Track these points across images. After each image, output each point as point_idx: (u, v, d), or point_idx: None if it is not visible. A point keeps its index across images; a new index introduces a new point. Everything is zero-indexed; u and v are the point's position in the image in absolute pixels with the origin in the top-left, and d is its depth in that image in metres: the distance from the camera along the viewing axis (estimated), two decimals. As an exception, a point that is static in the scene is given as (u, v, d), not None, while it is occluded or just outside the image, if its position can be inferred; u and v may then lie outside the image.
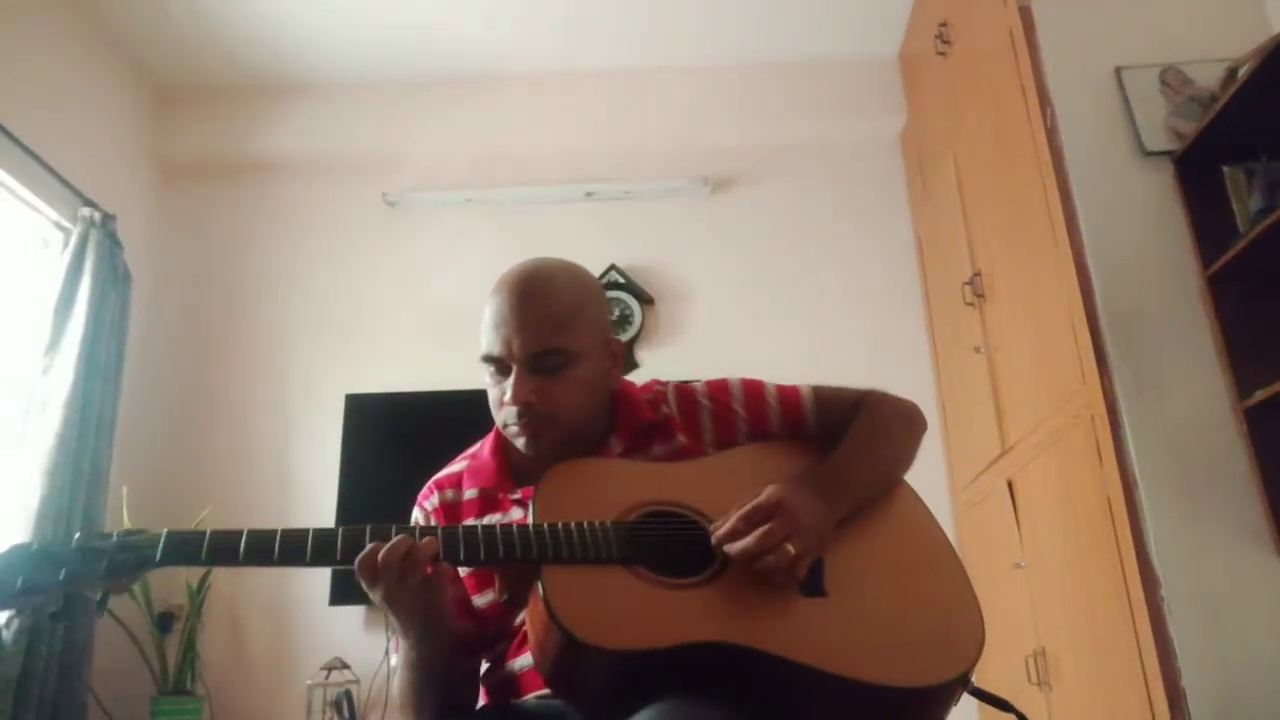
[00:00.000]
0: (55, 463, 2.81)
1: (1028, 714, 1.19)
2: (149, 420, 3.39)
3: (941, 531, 1.24)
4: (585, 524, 1.08)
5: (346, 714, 2.91)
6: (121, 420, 3.16)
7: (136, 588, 2.96)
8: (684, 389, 1.33)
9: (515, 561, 1.06)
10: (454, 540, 1.07)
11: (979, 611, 1.13)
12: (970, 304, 2.89)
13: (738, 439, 1.29)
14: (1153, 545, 1.94)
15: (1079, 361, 2.17)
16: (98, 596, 1.03)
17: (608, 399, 1.28)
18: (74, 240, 3.09)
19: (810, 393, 1.33)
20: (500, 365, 1.20)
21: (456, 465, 1.33)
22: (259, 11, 3.39)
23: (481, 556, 1.06)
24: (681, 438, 1.28)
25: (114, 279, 3.19)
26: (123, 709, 2.94)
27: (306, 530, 1.05)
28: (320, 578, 3.15)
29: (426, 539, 1.04)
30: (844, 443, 1.26)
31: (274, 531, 1.04)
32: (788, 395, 1.33)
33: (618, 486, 1.16)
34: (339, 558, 1.04)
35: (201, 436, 3.45)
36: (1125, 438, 2.03)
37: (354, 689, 2.96)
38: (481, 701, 1.24)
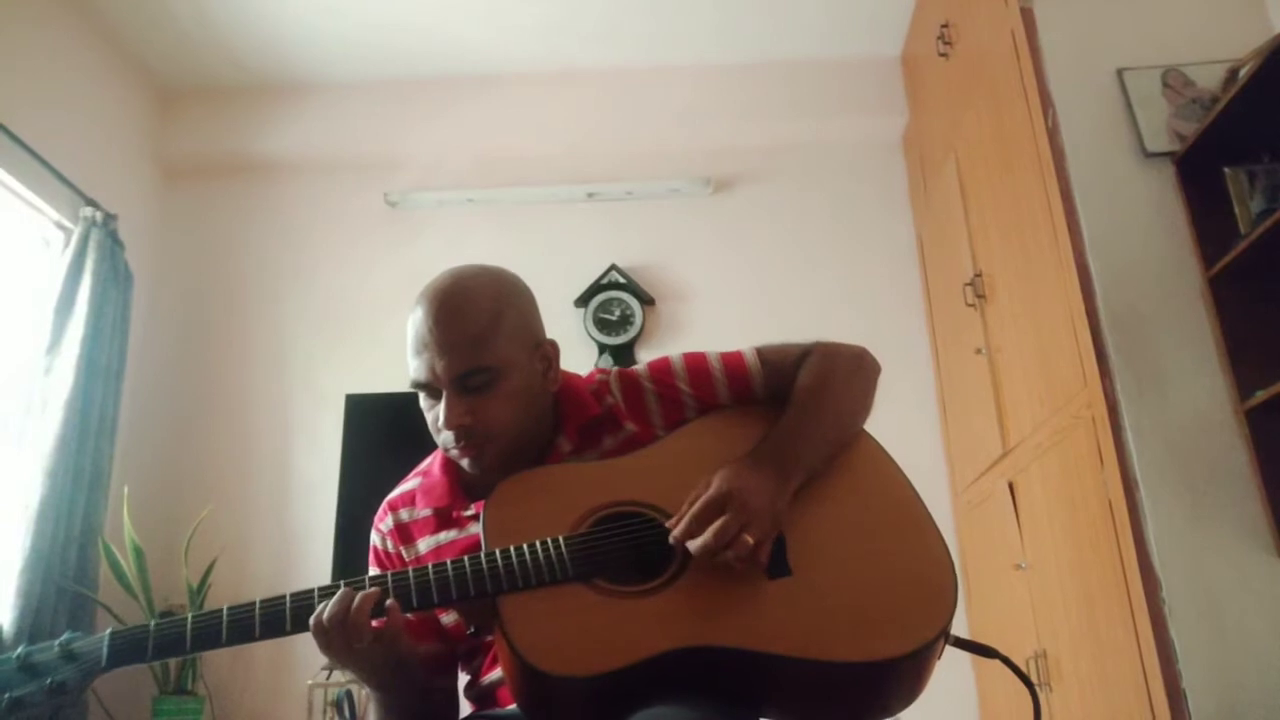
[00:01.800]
0: (55, 463, 2.81)
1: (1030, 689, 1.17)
2: (150, 420, 3.40)
3: (904, 481, 1.21)
4: (538, 545, 1.05)
5: (347, 714, 2.91)
6: (122, 420, 3.16)
7: (137, 587, 2.97)
8: (627, 375, 1.29)
9: (470, 600, 1.04)
10: (405, 588, 1.04)
11: (949, 561, 1.11)
12: (971, 305, 2.89)
13: (686, 415, 1.25)
14: (1153, 546, 1.94)
15: (1080, 363, 2.17)
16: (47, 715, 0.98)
17: (549, 401, 1.24)
18: (75, 240, 3.09)
19: (754, 356, 1.29)
20: (429, 390, 1.17)
21: (409, 483, 1.30)
22: (261, 12, 3.39)
23: (435, 600, 1.04)
24: (630, 425, 1.24)
25: (115, 279, 3.19)
26: (124, 708, 2.94)
27: (253, 604, 1.01)
28: (322, 575, 3.15)
29: (363, 593, 1.01)
30: (791, 407, 1.21)
31: (219, 612, 1.01)
32: (732, 363, 1.28)
33: (568, 494, 1.14)
34: (289, 627, 1.01)
35: (202, 437, 3.46)
36: (1126, 439, 2.03)
37: (355, 689, 2.96)
38: (467, 710, 1.24)
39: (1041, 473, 2.44)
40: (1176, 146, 2.23)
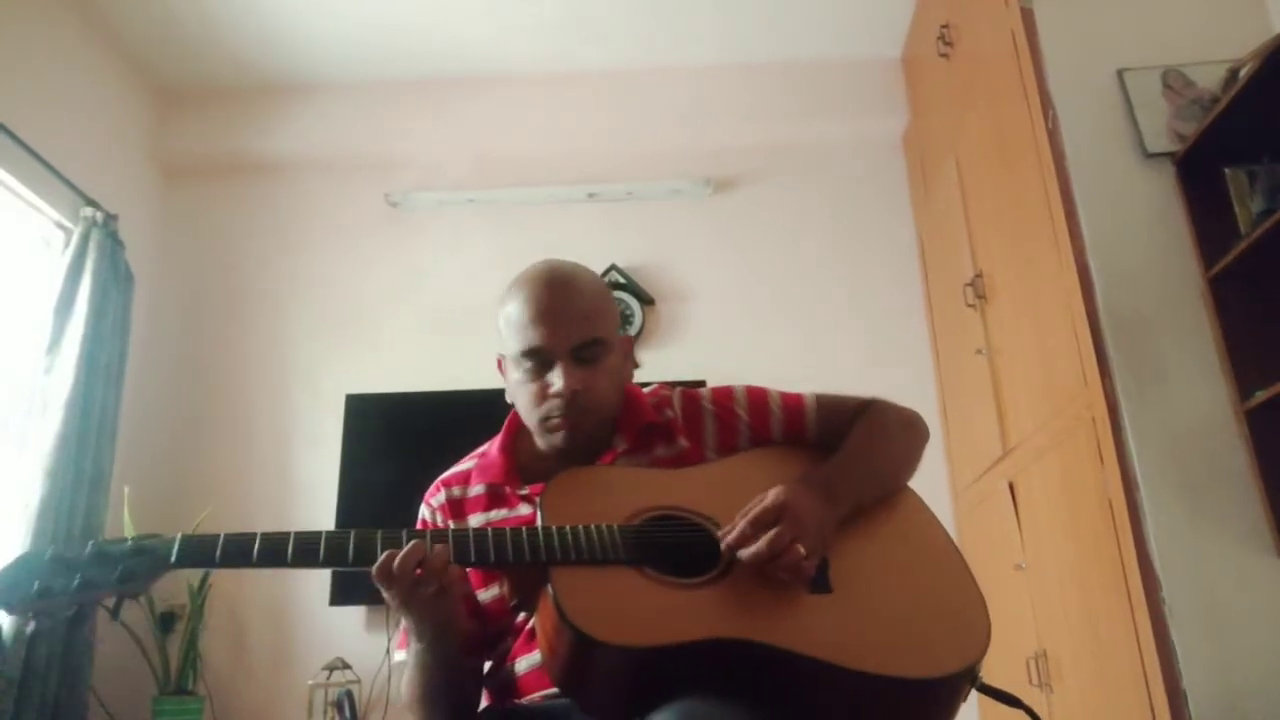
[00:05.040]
0: (56, 463, 2.81)
1: (1037, 712, 1.19)
2: (150, 420, 3.39)
3: (946, 534, 1.25)
4: (593, 527, 1.09)
5: (348, 714, 2.91)
6: (123, 420, 3.16)
7: (138, 587, 2.96)
8: (689, 394, 1.35)
9: (524, 564, 1.07)
10: (464, 542, 1.08)
11: (984, 607, 1.14)
12: (972, 305, 2.89)
13: (739, 444, 1.31)
14: (1154, 547, 1.94)
15: (1080, 363, 2.17)
16: (111, 603, 1.03)
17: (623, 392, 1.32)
18: (75, 240, 3.09)
19: (813, 400, 1.35)
20: (543, 359, 1.22)
21: (465, 464, 1.35)
22: (261, 12, 3.39)
23: (491, 558, 1.08)
24: (683, 441, 1.29)
25: (115, 279, 3.19)
26: (124, 709, 2.94)
27: (319, 533, 1.06)
28: (321, 578, 3.15)
29: (439, 547, 1.05)
30: (845, 446, 1.28)
31: (287, 534, 1.05)
32: (791, 403, 1.35)
33: (622, 492, 1.18)
34: (350, 561, 1.05)
35: (203, 437, 3.46)
36: (1126, 439, 2.02)
37: (355, 689, 2.96)
38: (484, 703, 1.25)
39: (1042, 473, 2.44)
40: (1177, 147, 2.23)
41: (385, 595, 1.05)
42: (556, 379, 1.20)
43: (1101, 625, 2.11)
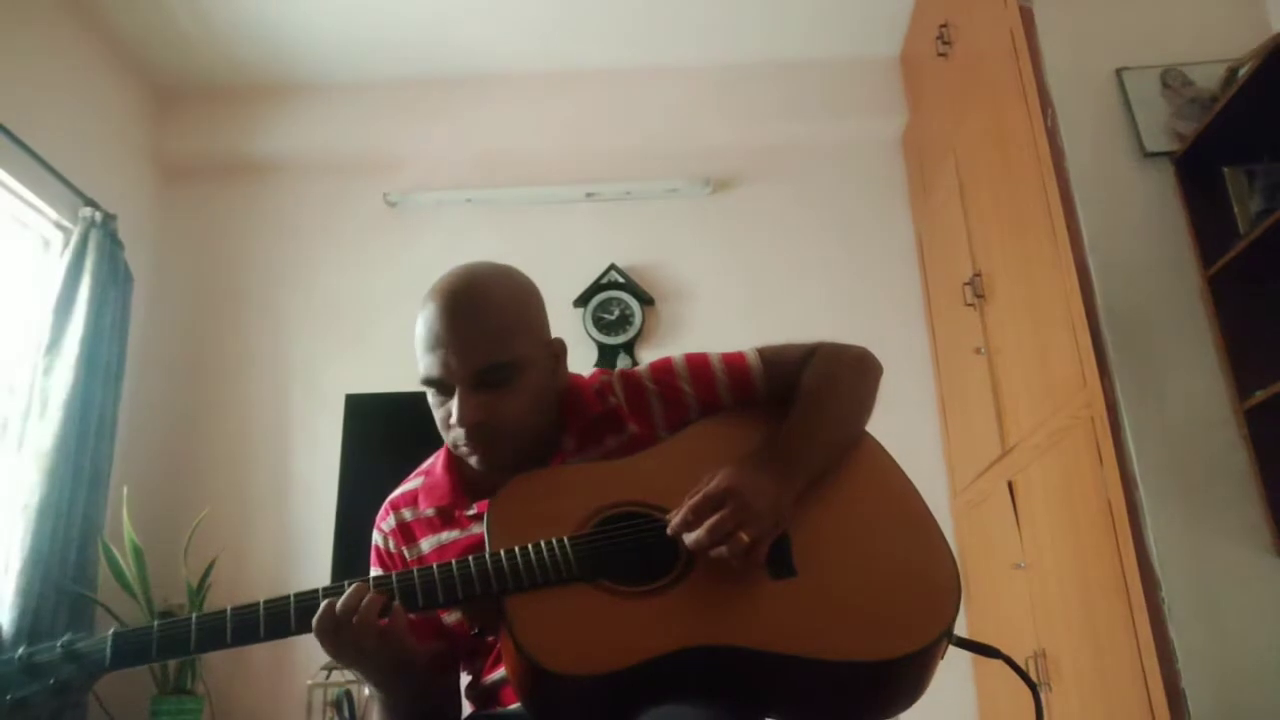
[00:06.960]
0: (55, 463, 2.81)
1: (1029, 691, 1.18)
2: (149, 420, 3.40)
3: (906, 481, 1.21)
4: (543, 545, 1.05)
5: (347, 714, 2.91)
6: (122, 420, 3.16)
7: (137, 587, 2.97)
8: (629, 375, 1.29)
9: (476, 600, 1.03)
10: (410, 587, 1.04)
11: (952, 562, 1.11)
12: (971, 305, 2.89)
13: (689, 418, 1.25)
14: (1153, 546, 1.94)
15: (1079, 362, 2.17)
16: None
17: (556, 399, 1.24)
18: (75, 240, 3.09)
19: (756, 357, 1.29)
20: (441, 387, 1.16)
21: (411, 483, 1.29)
22: (260, 12, 3.39)
23: (440, 600, 1.04)
24: (633, 426, 1.24)
25: (115, 279, 3.19)
26: (123, 708, 2.93)
27: (256, 604, 1.01)
28: (321, 575, 3.15)
29: (370, 596, 1.01)
30: (795, 408, 1.21)
31: (223, 612, 1.00)
32: (734, 364, 1.28)
33: (572, 495, 1.13)
34: (294, 627, 1.00)
35: (202, 437, 3.46)
36: (1125, 439, 2.03)
37: (354, 689, 2.96)
38: (467, 710, 1.24)
39: (1041, 472, 2.45)
40: (1176, 146, 2.23)
41: (334, 659, 1.01)
42: (454, 409, 1.13)
43: (1101, 624, 2.11)
